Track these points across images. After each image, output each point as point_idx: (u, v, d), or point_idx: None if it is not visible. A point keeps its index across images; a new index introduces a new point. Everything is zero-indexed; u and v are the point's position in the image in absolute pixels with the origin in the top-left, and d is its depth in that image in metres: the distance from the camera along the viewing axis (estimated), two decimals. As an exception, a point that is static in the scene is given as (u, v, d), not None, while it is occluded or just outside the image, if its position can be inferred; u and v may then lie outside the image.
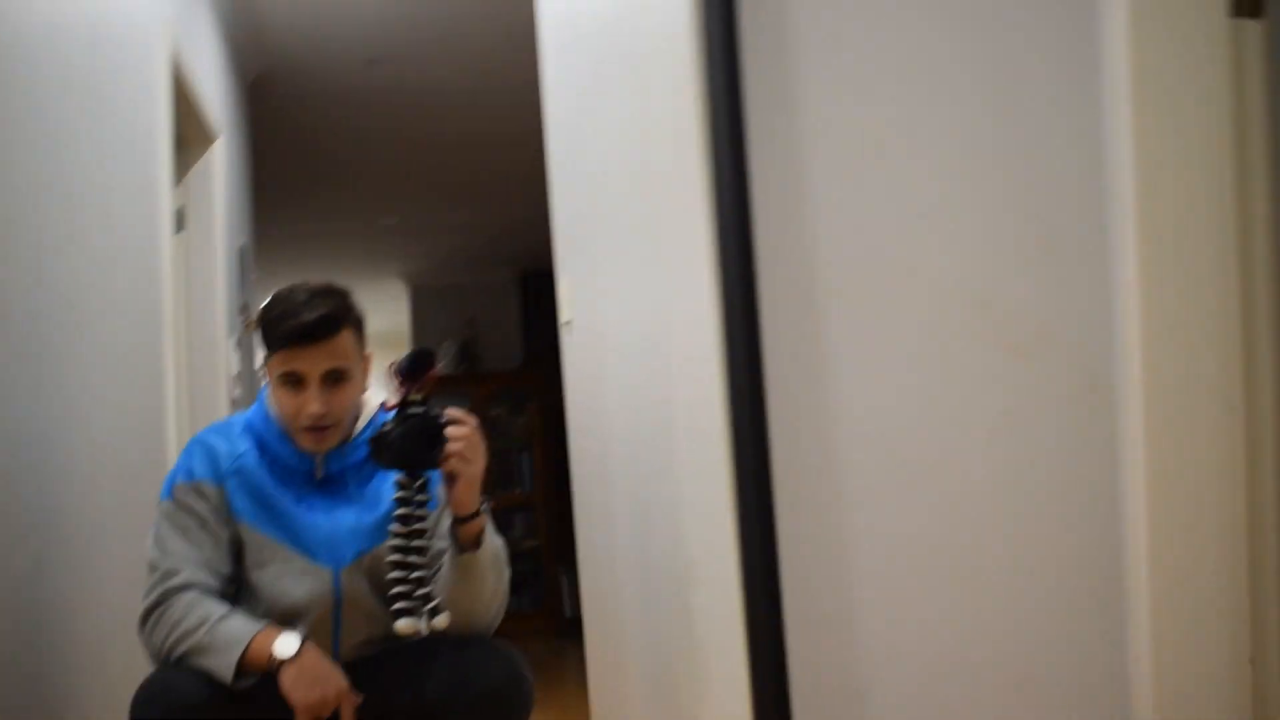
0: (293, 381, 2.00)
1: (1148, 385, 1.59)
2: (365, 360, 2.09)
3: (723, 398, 1.75)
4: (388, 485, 2.01)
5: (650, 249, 2.31)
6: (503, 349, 8.38)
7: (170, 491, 2.04)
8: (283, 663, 1.88)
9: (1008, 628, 1.61)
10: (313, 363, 1.98)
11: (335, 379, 2.00)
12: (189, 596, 1.95)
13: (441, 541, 2.05)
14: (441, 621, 1.93)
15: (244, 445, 2.07)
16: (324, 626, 2.03)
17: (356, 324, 2.05)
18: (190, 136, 3.77)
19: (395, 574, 1.92)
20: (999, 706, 1.60)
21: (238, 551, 2.04)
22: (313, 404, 1.98)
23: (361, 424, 2.12)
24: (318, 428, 2.01)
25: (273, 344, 2.00)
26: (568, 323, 3.39)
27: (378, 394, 2.17)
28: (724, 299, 1.45)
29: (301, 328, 1.95)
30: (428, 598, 1.92)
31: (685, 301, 2.00)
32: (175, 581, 1.96)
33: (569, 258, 3.37)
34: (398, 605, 1.91)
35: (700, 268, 1.82)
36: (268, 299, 2.06)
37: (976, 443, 1.63)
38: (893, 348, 1.64)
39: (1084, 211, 1.64)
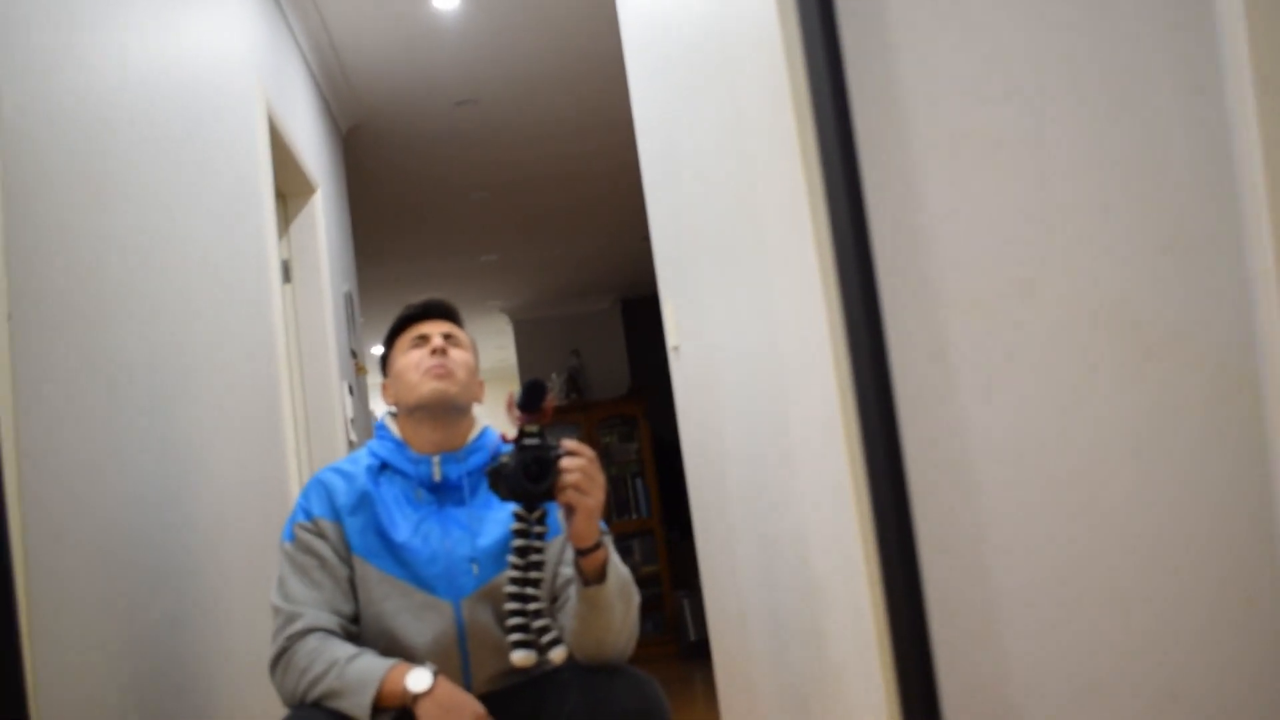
0: (418, 341, 2.17)
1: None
2: (479, 383, 2.23)
3: (845, 414, 1.70)
4: (504, 508, 2.00)
5: (757, 266, 2.27)
6: (609, 376, 8.39)
7: (290, 533, 2.07)
8: (417, 697, 1.89)
9: (1159, 636, 1.53)
10: (434, 327, 2.20)
11: (455, 344, 2.18)
12: (313, 641, 1.96)
13: (568, 569, 2.03)
14: (558, 654, 1.91)
15: (362, 477, 2.10)
16: (452, 662, 2.02)
17: (470, 338, 2.25)
18: (291, 189, 3.84)
19: (512, 605, 1.91)
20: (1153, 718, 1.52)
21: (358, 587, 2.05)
22: (435, 344, 2.15)
23: (475, 434, 2.17)
24: (440, 368, 2.12)
25: (401, 325, 2.22)
26: (675, 348, 3.36)
27: (493, 419, 2.19)
28: (845, 312, 1.39)
29: (427, 302, 2.24)
30: (545, 629, 1.91)
31: (798, 317, 1.95)
32: (298, 626, 1.97)
33: (672, 282, 3.34)
34: (514, 637, 1.90)
35: (813, 281, 1.78)
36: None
37: (1118, 451, 1.55)
38: (1024, 356, 1.57)
39: (1214, 204, 1.56)
